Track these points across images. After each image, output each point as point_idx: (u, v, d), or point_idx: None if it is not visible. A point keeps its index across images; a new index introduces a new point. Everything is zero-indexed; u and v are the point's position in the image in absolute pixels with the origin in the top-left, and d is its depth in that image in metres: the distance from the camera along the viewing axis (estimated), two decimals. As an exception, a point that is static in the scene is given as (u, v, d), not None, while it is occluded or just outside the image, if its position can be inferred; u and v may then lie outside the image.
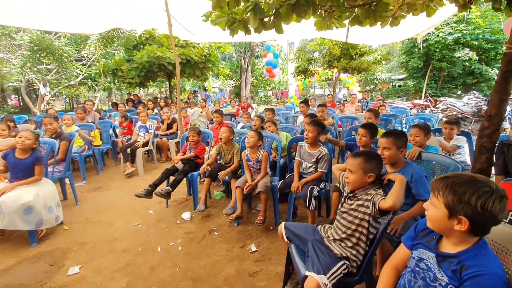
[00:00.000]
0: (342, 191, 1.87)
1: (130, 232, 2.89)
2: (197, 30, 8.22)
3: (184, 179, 3.33)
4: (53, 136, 3.62)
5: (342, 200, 1.75)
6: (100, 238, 2.76)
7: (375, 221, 1.56)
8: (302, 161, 2.81)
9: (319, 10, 2.39)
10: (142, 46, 8.73)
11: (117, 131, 5.91)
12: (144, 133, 5.14)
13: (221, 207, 3.42)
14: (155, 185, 3.23)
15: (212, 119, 7.04)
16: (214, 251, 2.49)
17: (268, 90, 21.52)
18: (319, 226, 1.87)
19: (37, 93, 10.91)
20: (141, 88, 11.08)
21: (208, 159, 3.59)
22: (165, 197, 3.15)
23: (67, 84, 9.87)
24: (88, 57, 9.88)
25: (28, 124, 5.01)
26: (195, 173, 3.35)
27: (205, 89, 14.51)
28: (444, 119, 5.63)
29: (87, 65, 10.02)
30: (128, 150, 4.74)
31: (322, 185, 2.66)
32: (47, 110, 5.81)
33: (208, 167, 3.27)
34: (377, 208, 1.46)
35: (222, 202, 3.57)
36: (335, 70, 11.15)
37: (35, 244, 2.63)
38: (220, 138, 3.24)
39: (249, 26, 2.50)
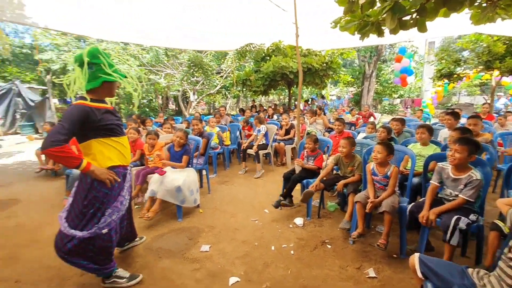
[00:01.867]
0: (510, 231, 1.39)
1: (249, 226, 3.16)
2: (320, 38, 8.29)
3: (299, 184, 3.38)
4: (198, 135, 4.45)
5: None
6: (225, 225, 3.16)
7: None
8: (445, 187, 2.30)
9: (479, 0, 1.91)
10: (268, 58, 9.59)
11: (243, 133, 6.67)
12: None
13: (334, 219, 3.26)
14: (286, 196, 3.38)
15: (329, 127, 6.88)
16: (326, 264, 2.39)
17: (394, 98, 19.11)
18: (470, 269, 1.47)
19: (187, 100, 13.72)
20: (263, 96, 12.12)
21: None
22: (287, 206, 3.35)
23: (208, 93, 12.00)
24: (225, 70, 11.67)
25: (183, 124, 6.39)
26: (310, 180, 3.33)
27: (322, 97, 14.37)
28: None
29: (223, 77, 11.84)
30: (252, 151, 5.27)
31: (472, 217, 2.09)
32: (194, 113, 7.24)
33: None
34: None
35: (335, 215, 3.40)
36: (496, 72, 8.67)
37: (180, 220, 3.29)
38: (342, 151, 3.09)
39: (383, 28, 2.29)
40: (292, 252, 2.59)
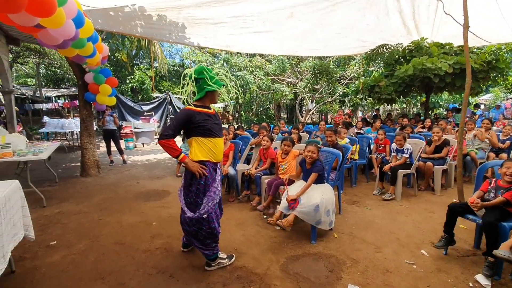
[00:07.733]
0: None
1: (403, 269, 2.47)
2: (488, 29, 6.46)
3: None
4: (331, 146, 4.02)
5: None
6: (371, 262, 2.58)
7: None
8: None
9: None
10: (402, 60, 8.23)
11: (372, 147, 5.81)
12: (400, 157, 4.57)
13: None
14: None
15: (498, 147, 5.10)
16: None
17: None
18: None
19: (303, 108, 13.59)
20: (389, 104, 10.60)
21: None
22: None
23: (326, 101, 11.48)
24: (346, 76, 10.88)
25: (305, 134, 6.14)
26: (506, 224, 2.31)
27: (476, 105, 11.14)
28: None
29: (344, 84, 11.07)
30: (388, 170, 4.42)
31: None
32: (319, 122, 6.88)
33: None
34: None
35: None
36: None
37: (314, 242, 2.93)
38: None
39: None
40: (489, 332, 1.77)
